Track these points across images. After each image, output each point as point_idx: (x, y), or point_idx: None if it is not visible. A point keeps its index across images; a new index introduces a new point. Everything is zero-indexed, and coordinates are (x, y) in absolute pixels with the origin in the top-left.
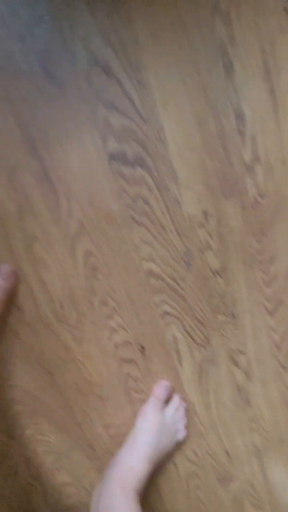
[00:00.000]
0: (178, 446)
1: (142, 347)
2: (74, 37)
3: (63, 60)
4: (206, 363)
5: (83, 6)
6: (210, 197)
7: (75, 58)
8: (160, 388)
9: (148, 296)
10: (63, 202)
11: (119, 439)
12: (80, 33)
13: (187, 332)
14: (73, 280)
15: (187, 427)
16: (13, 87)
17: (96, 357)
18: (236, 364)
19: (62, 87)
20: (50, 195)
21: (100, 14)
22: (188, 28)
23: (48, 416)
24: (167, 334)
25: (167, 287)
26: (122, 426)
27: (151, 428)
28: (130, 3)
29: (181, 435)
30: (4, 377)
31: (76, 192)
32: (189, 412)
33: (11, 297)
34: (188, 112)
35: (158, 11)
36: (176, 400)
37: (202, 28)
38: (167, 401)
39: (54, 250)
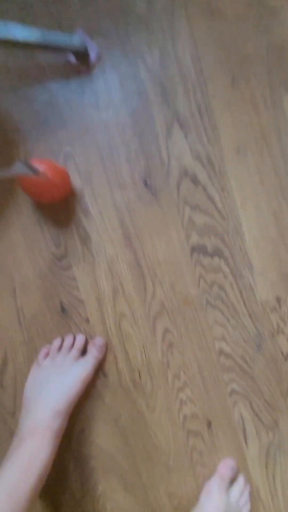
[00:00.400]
0: None
1: (209, 422)
2: (170, 156)
3: (160, 174)
4: (273, 448)
5: (179, 131)
6: (284, 284)
7: (169, 172)
8: (225, 467)
9: (218, 373)
10: (149, 286)
11: None
12: (175, 152)
13: (255, 413)
14: (151, 354)
15: None
16: (119, 196)
17: (165, 426)
18: None
19: (157, 195)
20: (139, 280)
21: (192, 136)
22: (268, 138)
23: (119, 475)
24: (234, 412)
25: (237, 366)
26: (185, 498)
27: (215, 509)
28: (219, 126)
29: None
30: (86, 433)
31: (161, 278)
32: (254, 497)
33: (100, 364)
34: (264, 208)
35: (242, 129)
36: (241, 482)
37: (281, 137)
38: (231, 480)
39: (138, 326)
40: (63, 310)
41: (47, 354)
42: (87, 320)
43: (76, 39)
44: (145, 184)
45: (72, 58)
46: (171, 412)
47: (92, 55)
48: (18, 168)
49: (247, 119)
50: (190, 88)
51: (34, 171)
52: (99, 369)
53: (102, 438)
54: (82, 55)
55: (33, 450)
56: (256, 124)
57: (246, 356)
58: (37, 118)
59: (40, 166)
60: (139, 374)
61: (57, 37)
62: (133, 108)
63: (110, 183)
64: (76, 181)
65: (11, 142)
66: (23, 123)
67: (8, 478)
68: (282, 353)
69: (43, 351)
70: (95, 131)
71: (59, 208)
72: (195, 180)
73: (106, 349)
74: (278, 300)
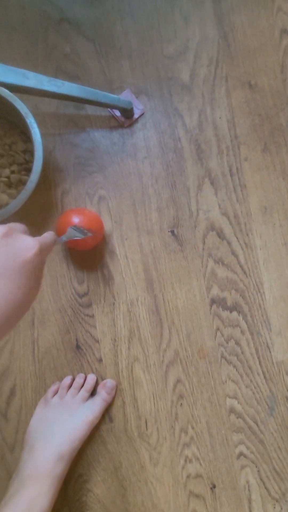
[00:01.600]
0: None
1: (213, 485)
2: (199, 209)
3: (187, 225)
4: None
5: (210, 187)
6: None
7: (197, 225)
8: None
9: (227, 433)
10: (165, 333)
11: None
12: (204, 207)
13: (262, 481)
14: (161, 403)
15: None
16: (146, 241)
17: (167, 483)
18: None
19: (182, 245)
20: (156, 326)
21: (222, 193)
22: None
23: None
24: (241, 478)
25: (247, 427)
26: None
27: None
28: (248, 186)
29: None
30: (84, 480)
31: (178, 326)
32: None
33: (108, 408)
34: (286, 269)
35: (270, 192)
36: None
37: None
38: None
39: (150, 373)
40: (77, 347)
41: (56, 392)
42: (100, 360)
43: (123, 99)
44: (172, 233)
45: (118, 113)
46: (174, 469)
47: (136, 112)
48: (71, 233)
49: (276, 183)
50: (224, 150)
51: (85, 233)
52: (105, 413)
53: (100, 488)
54: (126, 112)
55: (33, 496)
56: (284, 189)
57: (257, 418)
58: (78, 161)
59: (78, 217)
60: (146, 423)
61: (107, 97)
62: (168, 161)
63: (139, 228)
64: (107, 223)
65: (51, 181)
66: (64, 165)
67: None
68: None
69: (52, 388)
70: (130, 179)
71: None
72: (221, 235)
73: (116, 392)
74: None
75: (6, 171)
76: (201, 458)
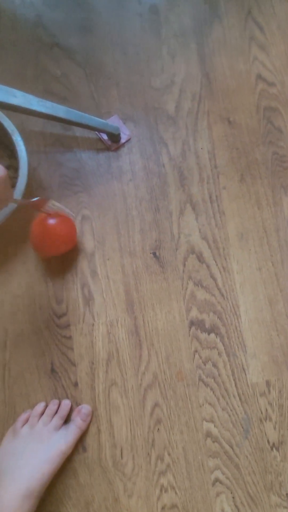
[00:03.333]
0: None
1: None
2: (180, 233)
3: (169, 248)
4: None
5: (191, 212)
6: (274, 368)
7: (178, 247)
8: None
9: (203, 458)
10: (144, 355)
11: None
12: (185, 231)
13: (237, 508)
14: (138, 429)
15: None
16: (128, 262)
17: None
18: None
19: (163, 266)
20: (135, 348)
21: (202, 218)
22: (268, 230)
23: None
24: (216, 506)
25: (223, 452)
26: None
27: None
28: (227, 213)
29: None
30: None
31: (157, 348)
32: None
33: (81, 436)
34: (260, 293)
35: (246, 219)
36: None
37: (279, 231)
38: None
39: (127, 397)
40: (52, 370)
41: (26, 420)
42: (76, 384)
43: (111, 124)
44: (154, 255)
45: (105, 136)
46: (149, 500)
47: (123, 137)
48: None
49: (251, 212)
50: (205, 178)
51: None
52: (79, 442)
53: None
54: (114, 136)
55: None
56: (258, 217)
57: (232, 441)
58: (62, 180)
59: (54, 219)
60: (121, 451)
61: (95, 121)
62: (151, 186)
63: (122, 249)
64: (89, 243)
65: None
66: (48, 183)
67: None
68: (268, 441)
69: (22, 417)
70: (115, 200)
71: (68, 265)
72: (200, 258)
73: (91, 419)
74: (268, 384)
75: None
76: (176, 487)
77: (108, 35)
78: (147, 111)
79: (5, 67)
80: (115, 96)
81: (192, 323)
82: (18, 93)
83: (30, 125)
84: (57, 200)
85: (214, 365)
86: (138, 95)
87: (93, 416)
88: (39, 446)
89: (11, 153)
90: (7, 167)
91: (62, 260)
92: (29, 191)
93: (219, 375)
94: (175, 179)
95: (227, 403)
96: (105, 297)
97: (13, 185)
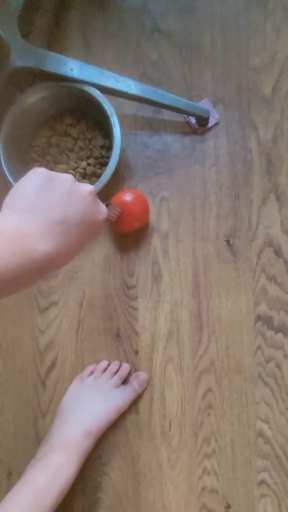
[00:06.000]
0: None
1: (228, 505)
2: (259, 223)
3: (244, 237)
4: None
5: (274, 202)
6: None
7: (254, 238)
8: None
9: (251, 456)
10: (204, 339)
11: None
12: (265, 222)
13: None
14: (188, 407)
15: None
16: (200, 246)
17: (181, 489)
18: None
19: (236, 256)
20: (196, 331)
21: (286, 210)
22: None
23: None
24: (259, 507)
25: (274, 455)
26: None
27: None
28: None
29: None
30: (102, 462)
31: (218, 336)
32: None
33: (136, 400)
34: None
35: None
36: None
37: None
38: None
39: (182, 375)
40: (117, 335)
41: (91, 372)
42: (136, 352)
43: (201, 107)
44: (228, 242)
45: (193, 120)
46: (190, 476)
47: (211, 121)
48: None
49: None
50: None
51: (115, 212)
52: (133, 404)
53: (116, 474)
54: (202, 119)
55: (60, 464)
56: None
57: (286, 448)
58: (147, 161)
59: (131, 195)
60: (170, 424)
61: (187, 104)
62: (234, 172)
63: (195, 233)
64: (164, 224)
65: (120, 177)
66: (134, 163)
67: (35, 483)
68: None
69: (88, 368)
70: (195, 184)
71: (142, 243)
72: (278, 252)
73: (146, 387)
74: None
75: (84, 163)
76: (219, 474)
77: (209, 14)
78: (241, 92)
79: (108, 51)
80: (209, 78)
81: (259, 318)
82: (120, 78)
83: (125, 108)
84: (140, 180)
85: (278, 366)
86: (233, 76)
87: (148, 384)
88: (100, 397)
89: (105, 134)
90: (101, 147)
91: (138, 237)
92: (117, 170)
93: (281, 377)
94: (262, 166)
95: (286, 408)
96: (173, 277)
97: (105, 164)
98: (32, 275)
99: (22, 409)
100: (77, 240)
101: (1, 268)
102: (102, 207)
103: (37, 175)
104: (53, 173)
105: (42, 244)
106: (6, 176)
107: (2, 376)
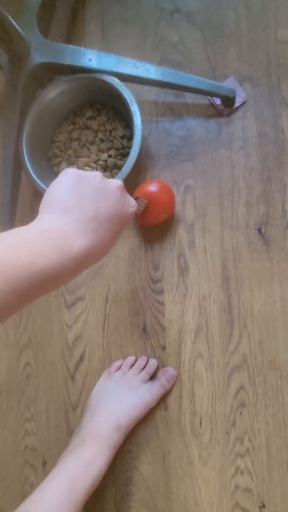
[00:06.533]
0: None
1: (263, 505)
2: None
3: (278, 225)
4: None
5: None
6: None
7: None
8: None
9: None
10: (235, 335)
11: None
12: None
13: None
14: (219, 405)
15: None
16: (228, 236)
17: (213, 486)
18: None
19: (268, 245)
20: (226, 326)
21: None
22: None
23: (151, 511)
24: None
25: None
26: None
27: None
28: None
29: None
30: (133, 456)
31: (250, 331)
32: None
33: (164, 396)
34: None
35: None
36: None
37: None
38: None
39: (212, 372)
40: (144, 330)
41: (119, 367)
42: (164, 348)
43: (226, 86)
44: (259, 231)
45: (218, 101)
46: (223, 474)
47: (238, 101)
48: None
49: None
50: None
51: (142, 205)
52: (161, 400)
53: (146, 469)
54: (228, 100)
55: (92, 455)
56: None
57: None
58: (170, 149)
59: (153, 185)
60: (200, 421)
61: (211, 85)
62: (266, 154)
63: (223, 222)
64: (190, 213)
65: (142, 167)
66: (156, 152)
67: (70, 471)
68: None
69: (116, 363)
70: (221, 169)
71: (167, 234)
72: None
73: (175, 382)
74: None
75: (105, 155)
76: (254, 474)
77: None
78: (269, 68)
79: (127, 38)
80: (234, 56)
81: None
82: (139, 63)
83: (145, 95)
84: (163, 169)
85: None
86: (260, 51)
87: (176, 380)
88: (128, 392)
89: (126, 124)
90: (121, 137)
91: (162, 228)
92: (138, 160)
93: None
94: None
95: None
96: (200, 269)
97: (126, 154)
98: (71, 271)
99: (54, 402)
100: (110, 234)
101: (45, 265)
102: (131, 200)
103: (68, 175)
104: (83, 172)
105: (77, 240)
106: (31, 175)
107: (34, 369)
